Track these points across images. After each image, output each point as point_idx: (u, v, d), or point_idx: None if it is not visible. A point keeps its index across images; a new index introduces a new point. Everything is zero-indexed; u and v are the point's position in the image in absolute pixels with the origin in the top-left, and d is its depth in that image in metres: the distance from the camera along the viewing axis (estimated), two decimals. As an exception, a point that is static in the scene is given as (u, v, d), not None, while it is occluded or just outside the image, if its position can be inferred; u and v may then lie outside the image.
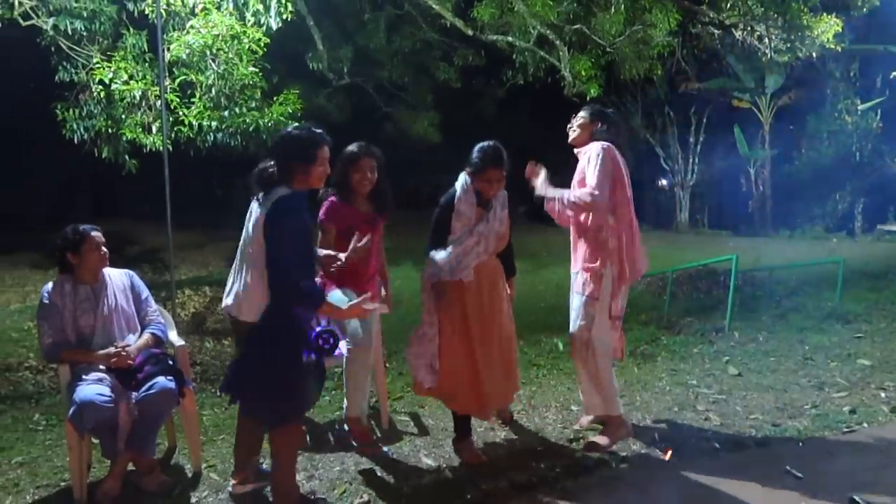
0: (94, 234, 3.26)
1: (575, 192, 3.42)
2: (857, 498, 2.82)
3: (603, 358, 3.40)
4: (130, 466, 3.22)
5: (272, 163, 2.93)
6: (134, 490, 3.15)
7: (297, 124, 3.43)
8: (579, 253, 3.52)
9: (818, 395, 4.10)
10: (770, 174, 16.32)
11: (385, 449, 3.51)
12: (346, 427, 3.58)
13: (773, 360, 4.87)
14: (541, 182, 3.57)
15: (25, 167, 13.74)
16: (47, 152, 12.30)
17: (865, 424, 3.64)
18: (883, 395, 4.06)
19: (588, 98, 9.58)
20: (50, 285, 3.24)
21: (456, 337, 3.26)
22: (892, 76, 12.35)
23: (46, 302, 3.19)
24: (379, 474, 3.26)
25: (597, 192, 3.32)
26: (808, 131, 15.76)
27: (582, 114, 3.61)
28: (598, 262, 3.39)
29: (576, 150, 3.61)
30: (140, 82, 6.69)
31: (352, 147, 3.48)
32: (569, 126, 3.64)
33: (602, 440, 3.39)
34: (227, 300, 2.98)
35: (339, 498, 3.05)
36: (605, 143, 3.43)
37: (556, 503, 2.93)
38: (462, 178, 3.34)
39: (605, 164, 3.35)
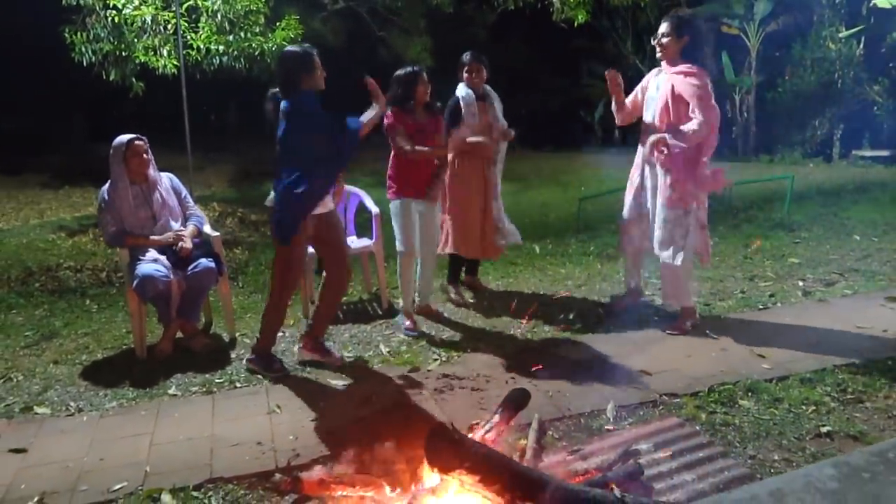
0: (136, 142, 3.89)
1: (691, 127, 3.69)
2: (755, 350, 3.62)
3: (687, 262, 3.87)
4: (179, 334, 3.99)
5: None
6: (183, 350, 3.92)
7: (288, 46, 4.21)
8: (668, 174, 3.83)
9: (748, 285, 4.87)
10: (754, 101, 16.77)
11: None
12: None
13: (718, 258, 5.59)
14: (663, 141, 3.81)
15: (28, 91, 14.06)
16: (48, 77, 12.65)
17: (780, 304, 4.43)
18: (801, 283, 4.84)
19: (576, 24, 9.98)
20: (107, 185, 3.86)
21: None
22: (871, 3, 12.65)
23: (106, 198, 3.82)
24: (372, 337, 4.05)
25: (712, 122, 3.68)
26: (793, 58, 16.13)
27: (664, 29, 3.64)
28: (689, 178, 3.78)
29: (664, 66, 3.76)
30: (150, 7, 7.14)
31: (411, 68, 4.04)
32: (654, 40, 3.74)
33: (682, 325, 3.96)
34: None
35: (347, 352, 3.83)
36: (707, 76, 3.64)
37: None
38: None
39: (712, 96, 3.63)
